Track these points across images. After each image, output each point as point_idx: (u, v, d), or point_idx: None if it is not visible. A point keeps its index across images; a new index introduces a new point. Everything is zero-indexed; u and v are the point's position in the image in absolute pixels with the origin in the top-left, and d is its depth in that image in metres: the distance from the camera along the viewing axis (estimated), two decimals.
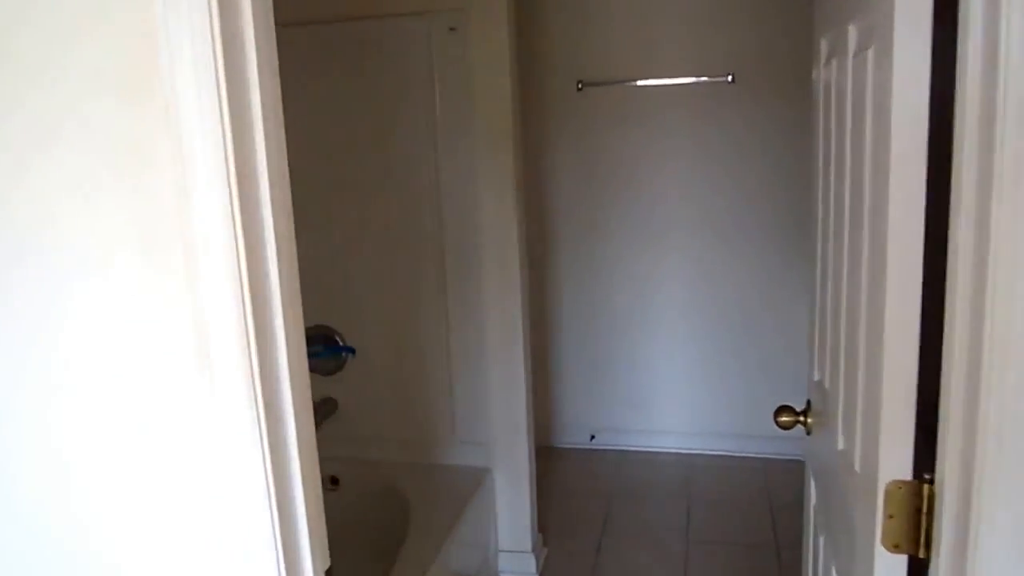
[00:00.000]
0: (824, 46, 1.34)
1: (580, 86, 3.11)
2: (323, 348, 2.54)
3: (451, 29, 2.26)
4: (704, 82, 3.03)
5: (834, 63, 1.19)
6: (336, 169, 2.45)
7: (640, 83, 3.07)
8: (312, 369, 2.44)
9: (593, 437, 3.41)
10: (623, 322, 3.28)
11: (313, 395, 2.36)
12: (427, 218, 2.41)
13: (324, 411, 2.57)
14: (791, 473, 3.16)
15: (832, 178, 1.22)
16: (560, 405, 3.43)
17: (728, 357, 3.24)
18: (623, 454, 3.36)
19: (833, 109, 1.20)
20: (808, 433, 1.49)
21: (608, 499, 3.04)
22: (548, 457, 3.33)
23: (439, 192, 2.38)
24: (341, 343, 2.55)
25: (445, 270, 2.43)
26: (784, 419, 1.48)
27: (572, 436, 3.43)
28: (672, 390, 3.31)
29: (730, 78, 2.99)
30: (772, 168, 3.06)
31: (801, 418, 1.48)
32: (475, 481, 2.46)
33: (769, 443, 3.25)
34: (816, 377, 1.43)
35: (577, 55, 3.12)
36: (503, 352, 2.42)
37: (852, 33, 1.05)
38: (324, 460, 2.54)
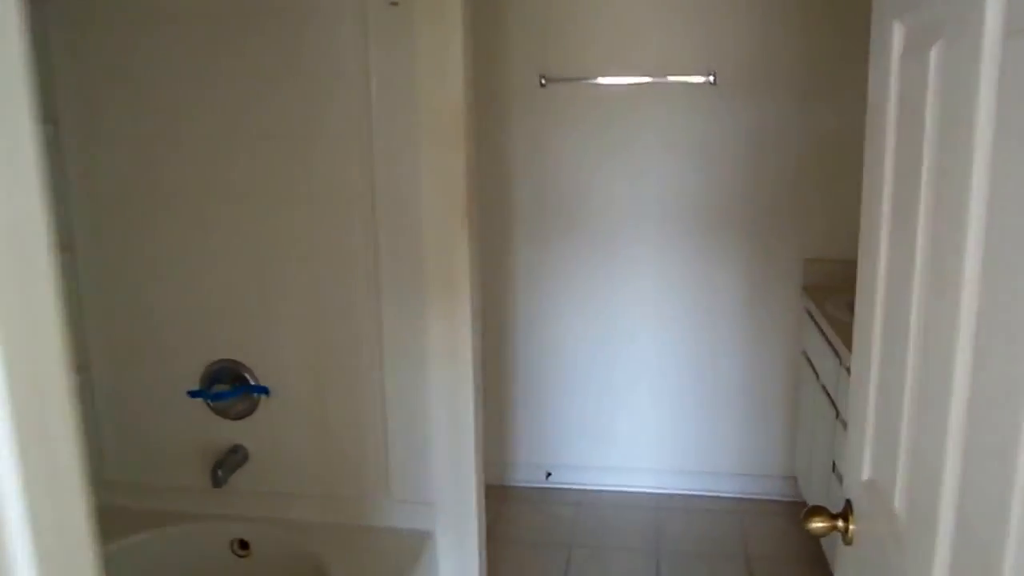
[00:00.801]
0: (900, 31, 0.97)
1: (543, 82, 2.72)
2: (231, 387, 2.10)
3: (392, 3, 1.85)
4: (681, 82, 2.67)
5: (935, 50, 0.82)
6: (243, 173, 2.02)
7: (609, 80, 2.70)
8: (219, 412, 2.01)
9: (549, 475, 3.03)
10: (583, 342, 2.91)
11: (220, 442, 1.92)
12: (358, 231, 1.99)
13: (232, 461, 2.13)
14: (769, 516, 2.83)
15: (922, 213, 0.85)
16: (511, 438, 3.04)
17: (703, 384, 2.90)
18: (583, 493, 2.99)
19: (933, 111, 0.83)
20: (847, 543, 1.13)
21: (568, 549, 2.67)
22: (499, 498, 2.94)
23: (373, 199, 1.96)
24: (252, 381, 2.11)
25: (380, 293, 2.01)
26: (817, 525, 1.14)
27: (525, 473, 3.04)
28: (638, 421, 2.95)
29: (711, 78, 2.64)
30: (752, 179, 2.72)
31: (839, 523, 1.12)
32: (413, 548, 2.05)
33: (747, 482, 2.92)
34: (866, 476, 1.08)
35: (541, 48, 2.72)
36: (448, 391, 2.02)
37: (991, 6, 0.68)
38: (232, 520, 2.10)
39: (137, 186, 2.07)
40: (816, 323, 2.47)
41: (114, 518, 2.22)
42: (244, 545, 2.15)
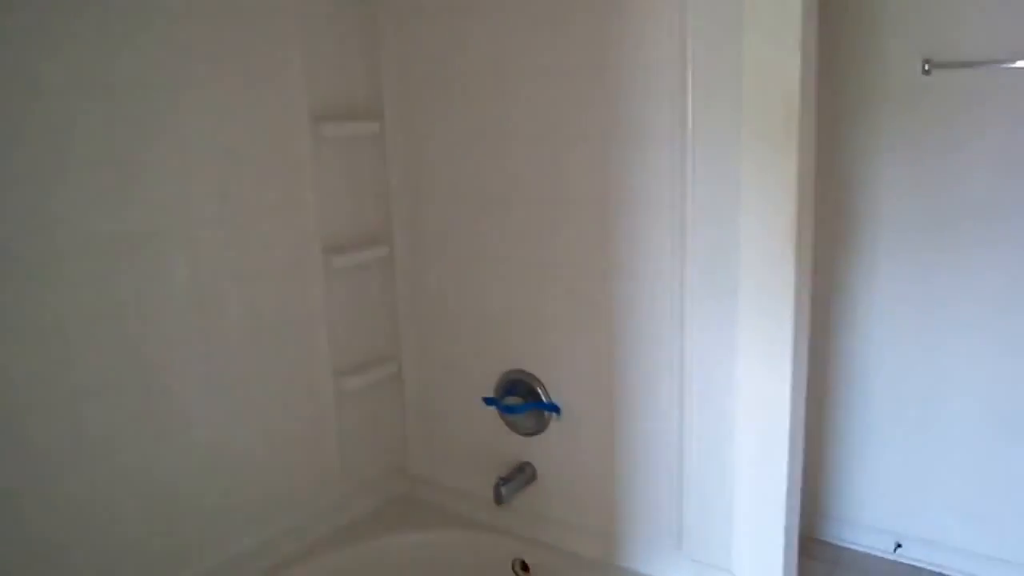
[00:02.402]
0: None
1: (927, 68, 2.11)
2: (523, 401, 1.98)
3: None
4: None
5: None
6: (550, 176, 1.85)
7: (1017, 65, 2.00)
8: (509, 425, 1.89)
9: (899, 546, 2.46)
10: (963, 381, 2.26)
11: (509, 456, 1.81)
12: (665, 245, 1.72)
13: (521, 478, 2.01)
14: None
15: None
16: (853, 488, 2.52)
17: None
18: None
19: None
20: None
21: None
22: (831, 560, 2.46)
23: (684, 209, 1.67)
24: (545, 398, 1.96)
25: (684, 319, 1.72)
26: None
27: (867, 537, 2.51)
28: None
29: None
30: None
31: None
32: None
33: None
34: None
35: (923, 20, 2.11)
36: (758, 443, 1.67)
37: None
38: (516, 540, 1.98)
39: (449, 186, 2.03)
40: None
41: (410, 510, 2.25)
42: (525, 567, 2.03)
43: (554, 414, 1.96)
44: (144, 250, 1.64)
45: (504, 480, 1.97)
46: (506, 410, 2.00)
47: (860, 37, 2.12)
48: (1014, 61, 1.87)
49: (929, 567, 2.47)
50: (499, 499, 1.95)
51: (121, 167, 1.59)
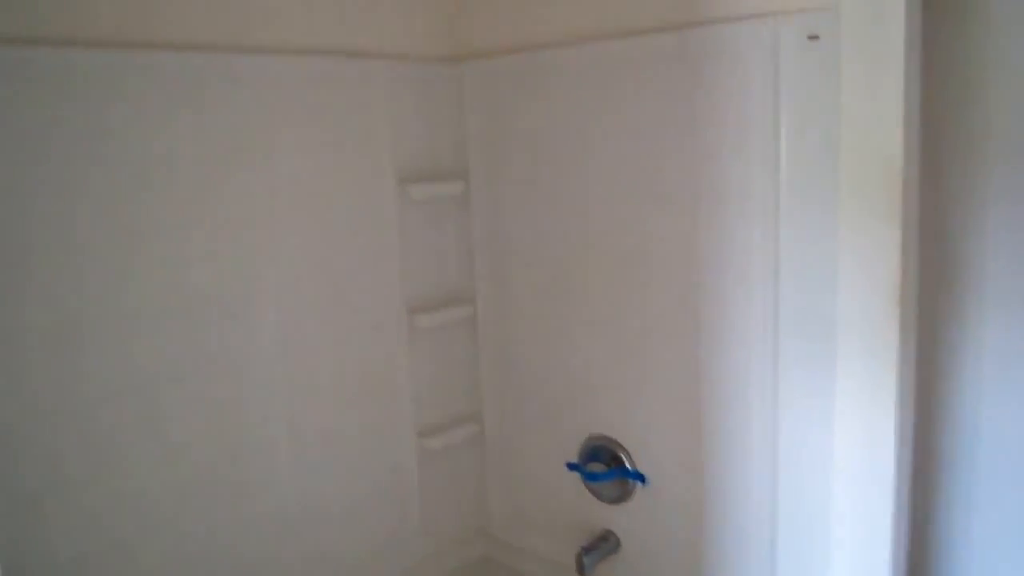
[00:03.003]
0: None
1: None
2: (607, 468, 1.92)
3: (811, 37, 1.48)
4: None
5: None
6: (634, 236, 1.82)
7: None
8: (593, 492, 1.85)
9: None
10: None
11: (592, 524, 1.76)
12: (755, 308, 1.65)
13: (604, 548, 1.94)
14: None
15: None
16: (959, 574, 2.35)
17: None
18: None
19: None
20: None
21: None
22: None
23: (777, 273, 1.60)
24: (629, 465, 1.90)
25: (777, 389, 1.65)
26: None
27: None
28: None
29: None
30: None
31: None
32: None
33: None
34: None
35: None
36: (858, 514, 1.57)
37: None
38: None
39: (534, 245, 2.02)
40: None
41: (490, 573, 2.21)
42: None
43: (639, 483, 1.89)
44: (233, 308, 1.68)
45: (587, 550, 1.91)
46: (589, 477, 1.95)
47: (964, 79, 2.02)
48: None
49: None
50: (581, 570, 1.89)
51: (213, 226, 1.64)
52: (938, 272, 2.08)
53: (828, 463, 1.60)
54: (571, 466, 2.01)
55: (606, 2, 1.80)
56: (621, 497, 1.93)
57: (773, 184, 1.57)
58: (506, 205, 2.05)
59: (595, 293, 1.91)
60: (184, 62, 1.56)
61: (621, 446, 1.92)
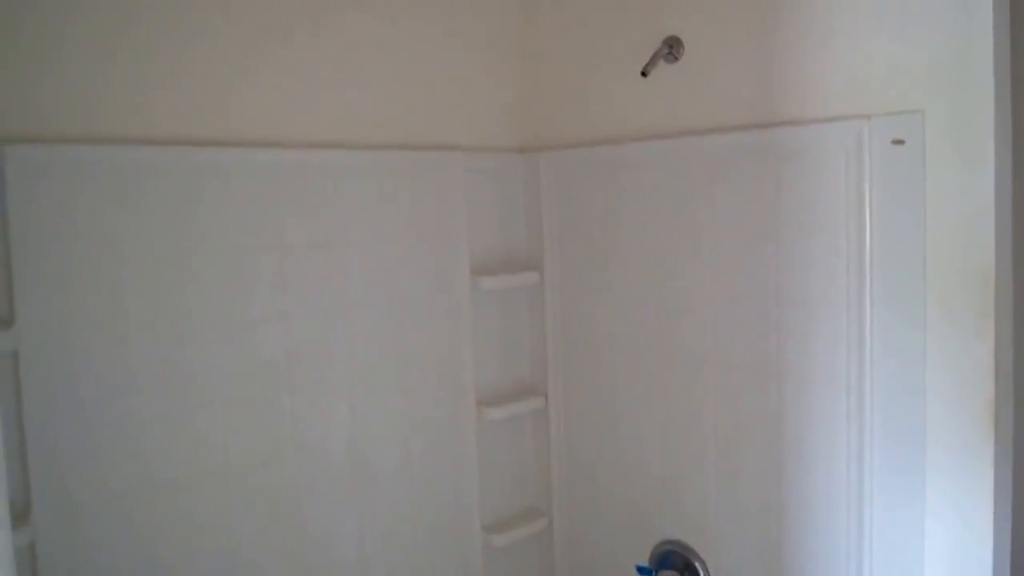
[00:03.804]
0: None
1: None
2: None
3: (896, 142, 1.44)
4: None
5: None
6: (706, 337, 1.77)
7: None
8: None
9: None
10: None
11: None
12: (839, 422, 1.57)
13: None
14: None
15: None
16: None
17: None
18: None
19: None
20: None
21: None
22: None
23: (862, 386, 1.53)
24: (703, 574, 1.82)
25: (862, 504, 1.55)
26: None
27: None
28: None
29: None
30: None
31: None
32: None
33: None
34: None
35: None
36: None
37: None
38: None
39: (606, 341, 1.99)
40: None
41: None
42: None
43: None
44: (306, 398, 1.70)
45: None
46: None
47: None
48: None
49: None
50: None
51: (292, 317, 1.67)
52: None
53: None
54: (641, 570, 1.93)
55: (681, 102, 1.79)
56: None
57: (858, 291, 1.51)
58: (581, 297, 2.04)
59: (670, 393, 1.86)
60: (273, 159, 1.64)
61: (696, 554, 1.83)
